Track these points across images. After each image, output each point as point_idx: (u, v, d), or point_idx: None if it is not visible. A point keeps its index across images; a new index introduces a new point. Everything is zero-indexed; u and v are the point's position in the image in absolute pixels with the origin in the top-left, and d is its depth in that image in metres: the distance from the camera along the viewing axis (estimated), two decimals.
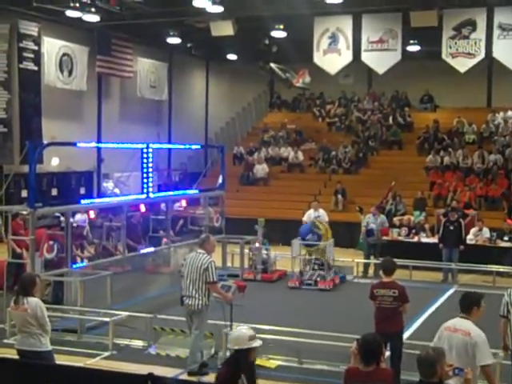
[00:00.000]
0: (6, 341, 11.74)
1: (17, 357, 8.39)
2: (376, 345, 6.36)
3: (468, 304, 7.52)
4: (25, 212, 13.36)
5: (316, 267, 17.30)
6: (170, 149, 31.21)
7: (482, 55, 23.49)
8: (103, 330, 12.33)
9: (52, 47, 25.03)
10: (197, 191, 18.20)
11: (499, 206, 23.67)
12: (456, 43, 23.62)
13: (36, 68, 24.40)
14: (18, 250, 14.52)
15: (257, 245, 18.23)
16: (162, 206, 18.23)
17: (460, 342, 7.11)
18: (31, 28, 24.05)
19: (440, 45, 23.84)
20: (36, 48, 24.29)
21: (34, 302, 8.36)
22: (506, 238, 19.94)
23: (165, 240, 17.03)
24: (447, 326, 7.40)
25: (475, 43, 23.44)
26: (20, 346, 8.43)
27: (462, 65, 23.86)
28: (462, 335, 7.15)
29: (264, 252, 18.19)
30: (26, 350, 8.31)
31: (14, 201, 19.59)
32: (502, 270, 17.91)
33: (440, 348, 6.46)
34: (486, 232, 19.95)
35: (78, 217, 16.58)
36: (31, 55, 24.17)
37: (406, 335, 9.95)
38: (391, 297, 9.70)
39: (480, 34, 23.28)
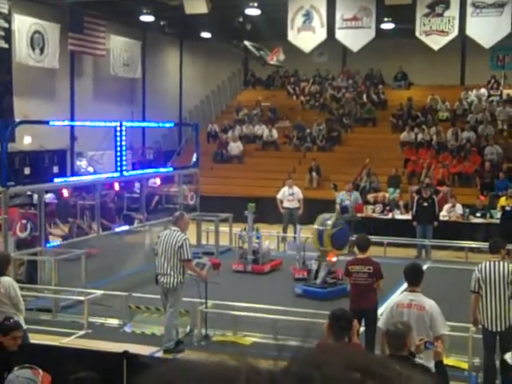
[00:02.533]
0: None
1: None
2: (345, 320, 6.36)
3: (419, 276, 7.52)
4: None
5: None
6: (143, 127, 31.04)
7: (455, 33, 23.55)
8: (78, 309, 12.32)
9: (23, 24, 24.66)
10: (171, 169, 18.16)
11: (472, 182, 23.88)
12: (430, 21, 23.65)
13: (7, 46, 24.04)
14: None
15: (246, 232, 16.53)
16: (137, 185, 18.18)
17: (417, 317, 7.11)
18: (1, 5, 23.66)
19: (414, 23, 23.86)
20: (7, 25, 23.92)
21: (7, 281, 8.31)
22: (478, 215, 20.13)
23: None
24: (399, 302, 7.35)
25: (449, 21, 23.48)
26: None
27: (436, 42, 23.92)
28: (418, 310, 7.15)
29: (255, 241, 16.44)
30: None
31: None
32: (474, 245, 18.07)
33: (407, 322, 6.51)
34: (459, 208, 20.12)
35: (48, 194, 16.40)
36: (2, 33, 23.79)
37: (379, 311, 10.00)
38: (366, 273, 9.76)
39: (453, 11, 23.33)
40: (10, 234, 12.78)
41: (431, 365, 6.21)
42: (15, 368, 5.10)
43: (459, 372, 9.62)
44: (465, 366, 9.80)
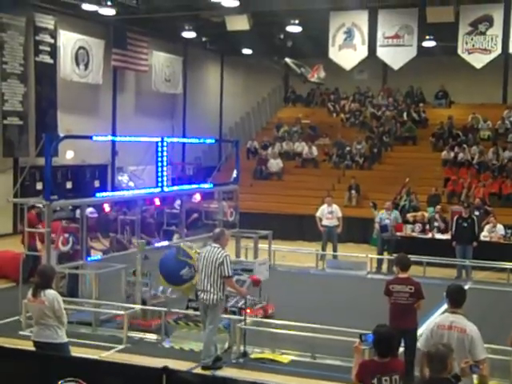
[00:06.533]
0: (21, 332, 11.83)
1: (33, 348, 8.46)
2: (392, 337, 6.46)
3: (462, 298, 7.38)
4: (40, 204, 13.44)
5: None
6: (184, 143, 31.27)
7: (498, 51, 23.37)
8: (117, 323, 12.41)
9: (68, 40, 25.11)
10: (211, 185, 18.21)
11: None
12: (472, 39, 23.50)
13: (52, 61, 24.50)
14: (39, 247, 14.54)
15: (139, 278, 12.76)
16: (177, 202, 18.26)
17: (457, 340, 6.94)
18: (47, 21, 24.14)
19: (456, 40, 23.72)
20: (52, 41, 24.39)
21: (51, 294, 8.40)
22: None
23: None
24: (439, 323, 7.19)
25: (492, 39, 23.30)
26: (37, 338, 8.49)
27: (478, 61, 23.75)
28: (458, 332, 7.00)
29: (145, 289, 12.90)
30: (43, 341, 8.37)
31: (29, 193, 19.65)
32: None
33: (449, 344, 6.44)
34: (501, 229, 19.86)
35: (89, 209, 16.56)
36: (47, 48, 24.27)
37: (419, 331, 9.92)
38: (407, 293, 9.68)
39: (497, 29, 23.14)
40: (53, 247, 12.94)
41: None
42: (60, 382, 5.16)
43: None
44: None
